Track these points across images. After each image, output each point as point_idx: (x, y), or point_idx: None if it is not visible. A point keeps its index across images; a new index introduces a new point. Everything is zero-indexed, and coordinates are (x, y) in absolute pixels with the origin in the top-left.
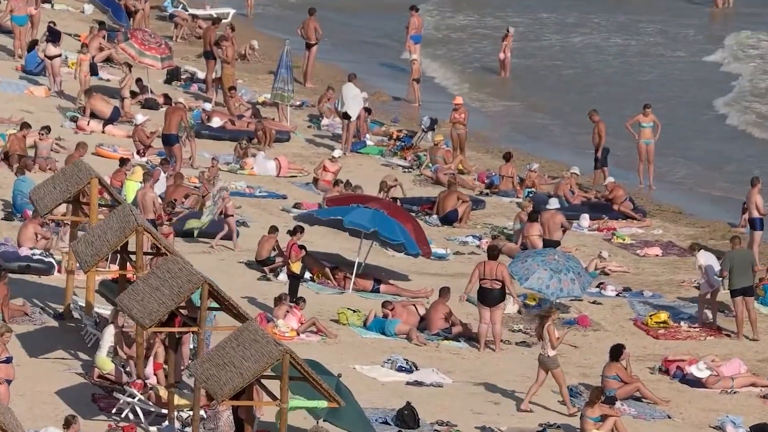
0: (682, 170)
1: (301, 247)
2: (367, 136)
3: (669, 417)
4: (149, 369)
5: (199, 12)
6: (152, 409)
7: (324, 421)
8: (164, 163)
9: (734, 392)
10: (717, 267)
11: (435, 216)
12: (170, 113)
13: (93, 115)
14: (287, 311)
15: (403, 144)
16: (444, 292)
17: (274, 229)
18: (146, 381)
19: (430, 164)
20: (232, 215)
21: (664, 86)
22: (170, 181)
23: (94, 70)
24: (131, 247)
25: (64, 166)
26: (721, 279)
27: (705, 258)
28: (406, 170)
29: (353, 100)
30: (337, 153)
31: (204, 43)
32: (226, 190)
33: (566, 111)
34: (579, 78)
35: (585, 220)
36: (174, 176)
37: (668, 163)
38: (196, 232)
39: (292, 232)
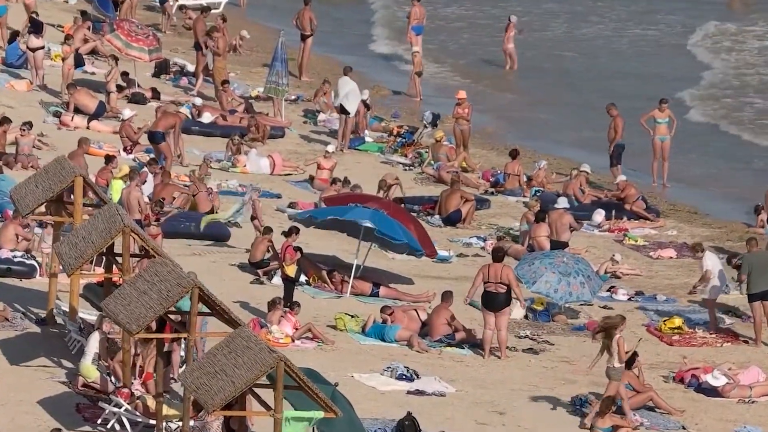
0: (697, 168)
1: (297, 248)
2: (366, 132)
3: (684, 428)
4: (137, 381)
5: (189, 2)
6: (139, 420)
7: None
8: (152, 163)
9: (752, 402)
10: (726, 273)
11: (437, 216)
12: (164, 115)
13: (77, 110)
14: (282, 316)
15: (403, 140)
16: (446, 296)
17: (268, 230)
18: (133, 390)
19: (432, 162)
20: (258, 218)
21: (679, 80)
22: (158, 179)
23: (80, 62)
24: (117, 249)
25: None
26: (738, 284)
27: (711, 261)
28: (407, 168)
29: (351, 94)
30: (330, 148)
31: (194, 34)
32: (257, 192)
33: (574, 105)
34: (589, 71)
35: (599, 215)
36: (161, 174)
37: (683, 161)
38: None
39: (287, 233)
